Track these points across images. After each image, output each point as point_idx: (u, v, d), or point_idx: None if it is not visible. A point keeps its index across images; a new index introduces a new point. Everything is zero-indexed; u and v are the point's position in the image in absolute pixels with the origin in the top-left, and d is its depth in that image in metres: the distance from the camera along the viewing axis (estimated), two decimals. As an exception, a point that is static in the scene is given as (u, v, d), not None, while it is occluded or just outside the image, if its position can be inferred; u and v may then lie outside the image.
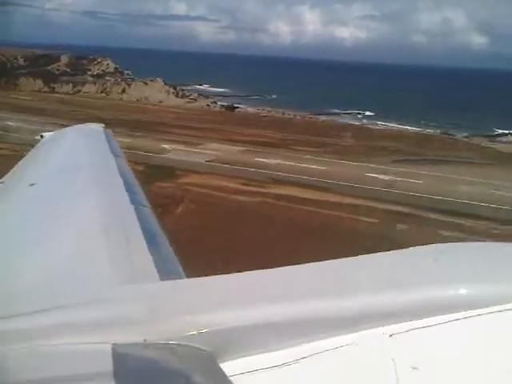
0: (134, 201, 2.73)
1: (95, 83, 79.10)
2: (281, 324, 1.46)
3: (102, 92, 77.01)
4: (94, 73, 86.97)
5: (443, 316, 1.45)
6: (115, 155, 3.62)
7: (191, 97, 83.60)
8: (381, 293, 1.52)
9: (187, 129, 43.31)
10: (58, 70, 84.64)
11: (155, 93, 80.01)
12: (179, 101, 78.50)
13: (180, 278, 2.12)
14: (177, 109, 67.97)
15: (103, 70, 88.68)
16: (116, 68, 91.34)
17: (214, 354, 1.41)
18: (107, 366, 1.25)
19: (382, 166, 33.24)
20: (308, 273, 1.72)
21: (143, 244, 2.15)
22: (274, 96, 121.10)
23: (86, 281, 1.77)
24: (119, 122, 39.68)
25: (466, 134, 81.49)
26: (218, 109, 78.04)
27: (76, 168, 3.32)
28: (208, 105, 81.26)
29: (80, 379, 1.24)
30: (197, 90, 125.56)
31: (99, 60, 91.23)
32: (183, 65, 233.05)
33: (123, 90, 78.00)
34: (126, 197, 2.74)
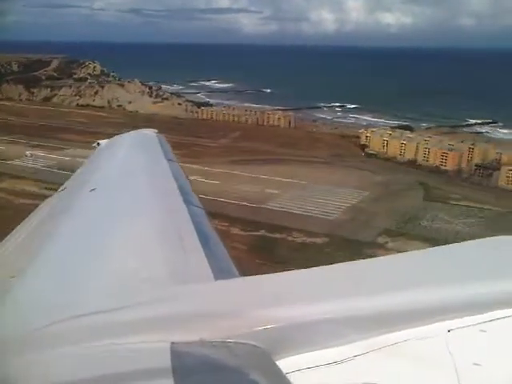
0: (187, 202, 2.88)
1: (71, 86, 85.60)
2: (337, 321, 1.48)
3: (76, 95, 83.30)
4: (80, 76, 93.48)
5: (504, 310, 1.44)
6: (168, 159, 3.83)
7: (164, 96, 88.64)
8: (439, 287, 1.54)
9: (81, 134, 47.83)
10: (45, 74, 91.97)
11: (127, 94, 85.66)
12: (148, 101, 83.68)
13: (234, 277, 2.22)
14: (115, 114, 72.91)
15: (89, 73, 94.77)
16: (102, 71, 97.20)
17: (270, 352, 1.43)
18: (166, 364, 1.31)
19: (207, 168, 36.46)
20: (364, 269, 1.78)
21: (197, 245, 2.24)
22: (268, 90, 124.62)
23: (144, 281, 1.84)
24: (19, 127, 44.41)
25: (426, 125, 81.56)
26: (179, 108, 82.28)
27: (132, 173, 3.54)
28: (179, 103, 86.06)
29: (139, 377, 1.30)
30: (201, 87, 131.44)
31: (86, 63, 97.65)
32: (212, 58, 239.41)
33: (96, 93, 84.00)
34: (179, 199, 2.90)
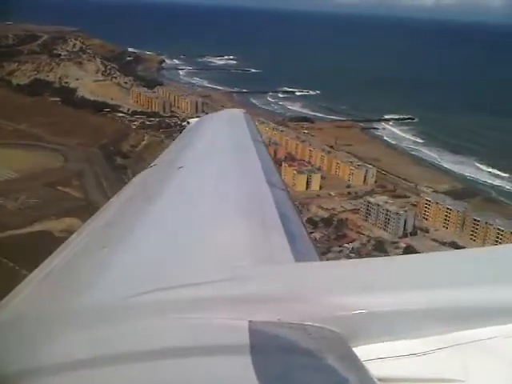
0: (271, 183, 2.96)
1: (33, 62, 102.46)
2: (419, 312, 1.48)
3: (34, 70, 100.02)
4: (58, 52, 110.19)
5: None
6: (254, 139, 3.93)
7: (114, 75, 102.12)
8: None
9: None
10: (28, 49, 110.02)
11: (80, 72, 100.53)
12: (92, 79, 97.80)
13: (314, 260, 2.27)
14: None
15: (67, 50, 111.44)
16: (81, 48, 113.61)
17: (346, 338, 1.45)
18: (243, 341, 1.35)
19: None
20: (447, 260, 1.77)
21: (279, 226, 2.32)
22: (256, 70, 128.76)
23: (225, 259, 1.93)
24: None
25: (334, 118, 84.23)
26: (115, 88, 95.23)
27: (219, 152, 3.72)
28: (125, 82, 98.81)
29: (217, 352, 1.35)
30: (201, 63, 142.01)
31: (68, 40, 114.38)
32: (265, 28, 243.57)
33: (51, 69, 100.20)
34: (263, 179, 2.99)
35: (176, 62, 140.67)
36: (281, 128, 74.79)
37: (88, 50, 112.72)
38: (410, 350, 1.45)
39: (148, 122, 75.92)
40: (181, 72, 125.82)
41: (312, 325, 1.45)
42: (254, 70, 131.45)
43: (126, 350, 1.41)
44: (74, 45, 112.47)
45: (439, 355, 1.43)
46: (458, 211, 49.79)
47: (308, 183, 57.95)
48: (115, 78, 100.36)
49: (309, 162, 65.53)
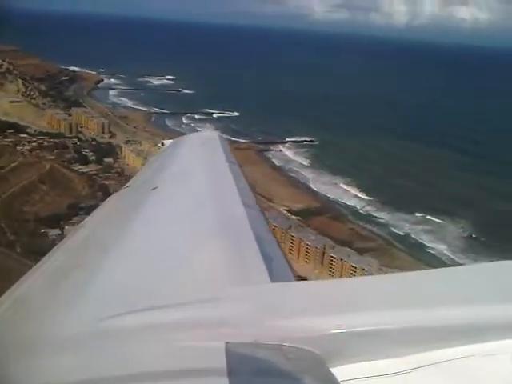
0: (246, 204, 2.99)
1: None
2: (398, 331, 1.49)
3: None
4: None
5: None
6: (229, 161, 4.03)
7: (33, 96, 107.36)
8: (505, 304, 1.53)
9: None
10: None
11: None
12: (9, 99, 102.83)
13: (290, 280, 2.30)
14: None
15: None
16: (8, 68, 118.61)
17: (325, 358, 1.46)
18: (220, 363, 1.35)
19: None
20: (423, 279, 1.79)
21: (255, 247, 2.33)
22: (185, 91, 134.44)
23: (199, 281, 1.94)
24: None
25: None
26: (28, 108, 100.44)
27: (193, 173, 3.74)
28: (44, 103, 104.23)
29: (193, 375, 1.35)
30: (137, 82, 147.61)
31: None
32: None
33: None
34: (239, 201, 3.02)
35: (113, 81, 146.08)
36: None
37: (15, 71, 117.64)
38: (390, 369, 1.47)
39: (46, 143, 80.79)
40: (111, 92, 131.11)
41: (290, 345, 1.47)
42: (186, 91, 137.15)
43: (100, 374, 1.41)
44: (1, 65, 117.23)
45: (419, 374, 1.45)
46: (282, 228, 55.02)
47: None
48: (34, 98, 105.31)
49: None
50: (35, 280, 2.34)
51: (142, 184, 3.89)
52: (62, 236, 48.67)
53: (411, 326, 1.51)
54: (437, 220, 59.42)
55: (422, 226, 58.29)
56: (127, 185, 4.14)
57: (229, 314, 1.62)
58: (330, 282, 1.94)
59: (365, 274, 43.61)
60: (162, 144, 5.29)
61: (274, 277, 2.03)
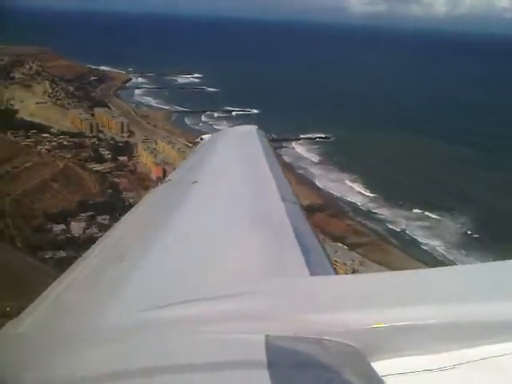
0: (283, 198, 3.02)
1: None
2: (437, 327, 1.48)
3: None
4: (14, 75, 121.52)
5: None
6: (266, 154, 4.06)
7: (59, 97, 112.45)
8: None
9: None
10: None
11: (27, 94, 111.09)
12: (35, 101, 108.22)
13: (329, 274, 2.27)
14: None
15: (23, 73, 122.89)
16: (37, 70, 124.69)
17: (364, 352, 1.46)
18: (260, 356, 1.35)
19: None
20: (466, 273, 1.78)
21: (293, 240, 2.35)
22: (210, 89, 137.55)
23: (240, 273, 1.98)
24: None
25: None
26: (53, 109, 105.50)
27: (232, 167, 3.86)
28: (69, 103, 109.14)
29: (233, 367, 1.35)
30: (164, 81, 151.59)
31: (26, 64, 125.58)
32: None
33: None
34: (276, 194, 3.05)
35: (140, 80, 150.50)
36: (191, 148, 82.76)
37: (44, 73, 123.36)
38: (431, 365, 1.45)
39: (66, 143, 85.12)
40: (137, 91, 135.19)
41: (329, 339, 1.47)
42: (210, 89, 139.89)
43: (141, 366, 1.43)
44: (31, 67, 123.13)
45: (457, 371, 1.42)
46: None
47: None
48: (59, 99, 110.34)
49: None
50: (78, 273, 2.41)
51: (182, 178, 3.94)
52: (65, 231, 52.23)
53: (453, 322, 1.49)
54: (435, 217, 60.01)
55: (419, 223, 59.10)
56: (168, 179, 4.26)
57: (268, 306, 1.63)
58: (369, 275, 2.00)
59: (346, 269, 45.20)
60: (201, 139, 5.40)
61: (312, 270, 2.04)
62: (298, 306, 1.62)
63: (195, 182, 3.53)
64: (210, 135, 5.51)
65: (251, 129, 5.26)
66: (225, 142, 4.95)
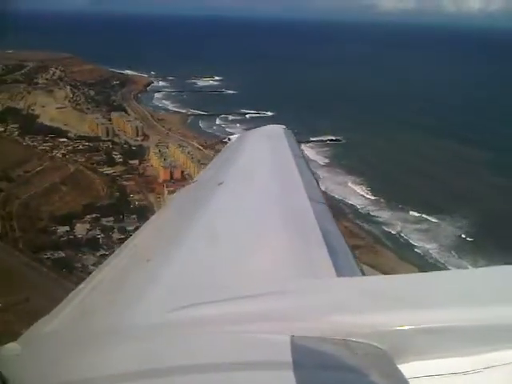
0: (311, 198, 3.03)
1: (9, 91, 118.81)
2: (468, 329, 1.45)
3: (8, 99, 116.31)
4: (38, 81, 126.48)
5: None
6: (295, 155, 4.05)
7: (79, 102, 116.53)
8: None
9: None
10: (12, 78, 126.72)
11: (48, 99, 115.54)
12: (56, 106, 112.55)
13: (356, 275, 2.27)
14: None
15: (46, 79, 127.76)
16: (60, 76, 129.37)
17: (391, 354, 1.45)
18: (285, 356, 1.35)
19: None
20: (494, 276, 1.75)
21: (320, 241, 2.35)
22: (228, 92, 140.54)
23: (265, 274, 1.99)
24: None
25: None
26: (72, 114, 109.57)
27: (259, 168, 3.82)
28: (88, 108, 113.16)
29: (258, 367, 1.36)
30: (184, 84, 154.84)
31: (49, 69, 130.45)
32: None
33: (22, 98, 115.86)
34: (304, 194, 3.06)
35: (161, 84, 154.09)
36: (202, 151, 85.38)
37: (66, 78, 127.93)
38: (458, 368, 1.44)
39: (81, 147, 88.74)
40: (156, 95, 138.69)
41: (356, 341, 1.47)
42: (229, 92, 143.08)
43: (168, 364, 1.44)
44: (54, 73, 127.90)
45: (483, 375, 1.41)
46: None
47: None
48: (79, 104, 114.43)
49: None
50: (108, 272, 2.51)
51: (209, 179, 3.97)
52: (69, 232, 55.17)
53: (482, 325, 1.48)
54: (434, 220, 60.76)
55: (418, 226, 59.93)
56: (195, 179, 4.42)
57: (295, 307, 1.66)
58: (396, 277, 1.94)
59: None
60: (228, 139, 5.43)
61: (339, 271, 2.09)
62: (325, 307, 1.63)
63: (221, 183, 3.55)
64: (237, 135, 5.55)
65: (279, 129, 5.25)
66: (252, 143, 4.93)
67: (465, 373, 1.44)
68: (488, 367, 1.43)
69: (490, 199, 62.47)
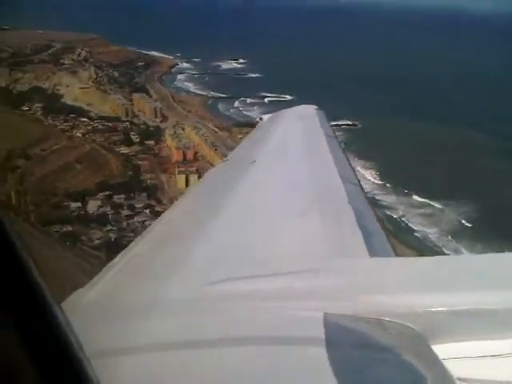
0: (344, 178, 3.05)
1: (34, 71, 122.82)
2: (501, 313, 1.45)
3: (34, 79, 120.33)
4: (64, 62, 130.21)
5: None
6: (326, 134, 4.09)
7: (102, 82, 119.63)
8: None
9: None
10: (39, 58, 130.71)
11: (73, 79, 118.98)
12: (79, 86, 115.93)
13: (389, 255, 2.29)
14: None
15: (72, 59, 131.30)
16: (85, 57, 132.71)
17: (424, 335, 1.46)
18: (318, 333, 1.36)
19: None
20: None
21: (353, 220, 2.38)
22: (252, 75, 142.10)
23: (299, 252, 2.03)
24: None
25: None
26: (96, 94, 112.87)
27: (291, 147, 3.91)
28: (111, 89, 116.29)
29: (291, 343, 1.38)
30: (208, 66, 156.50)
31: (76, 50, 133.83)
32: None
33: (47, 78, 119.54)
34: (336, 174, 3.07)
35: (186, 65, 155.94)
36: (217, 133, 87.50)
37: (91, 59, 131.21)
38: (491, 351, 1.45)
39: (101, 127, 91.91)
40: (179, 77, 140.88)
41: (389, 320, 1.48)
42: (252, 75, 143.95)
43: (203, 337, 1.47)
44: (79, 54, 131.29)
45: None
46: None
47: (187, 182, 71.25)
48: (103, 85, 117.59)
49: (210, 163, 78.36)
50: (142, 247, 2.57)
51: (241, 157, 4.06)
52: (81, 208, 58.18)
53: None
54: (438, 205, 61.60)
55: (422, 210, 60.84)
56: (227, 158, 4.44)
57: (328, 285, 1.69)
58: (430, 259, 1.99)
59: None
60: (260, 119, 5.52)
61: (372, 251, 2.10)
62: (358, 287, 1.67)
63: (254, 161, 3.56)
64: (269, 115, 5.61)
65: (311, 109, 5.28)
66: (284, 122, 4.99)
67: (497, 356, 1.44)
68: None
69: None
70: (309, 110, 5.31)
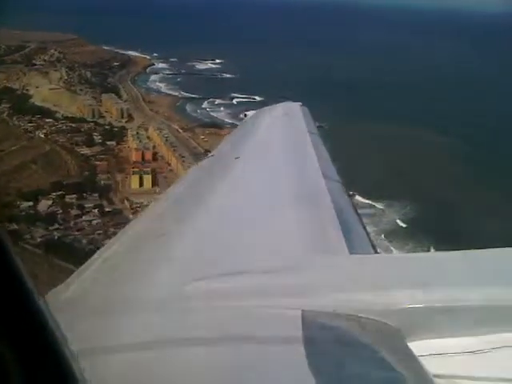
0: (325, 175, 3.11)
1: (5, 72, 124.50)
2: (477, 309, 1.50)
3: (4, 79, 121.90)
4: (36, 62, 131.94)
5: None
6: (310, 131, 4.24)
7: (72, 83, 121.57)
8: None
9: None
10: (11, 59, 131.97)
11: (43, 80, 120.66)
12: (49, 87, 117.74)
13: (369, 252, 2.34)
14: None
15: (44, 60, 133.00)
16: (58, 57, 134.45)
17: (402, 332, 1.50)
18: (296, 330, 1.39)
19: None
20: (500, 257, 1.77)
21: (333, 217, 2.44)
22: (226, 75, 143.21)
23: (278, 249, 2.07)
24: None
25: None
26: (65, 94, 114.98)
27: (274, 144, 4.01)
28: (81, 90, 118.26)
29: (269, 341, 1.41)
30: (184, 67, 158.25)
31: (48, 51, 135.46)
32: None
33: (17, 78, 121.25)
34: (318, 172, 3.13)
35: (161, 66, 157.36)
36: (179, 134, 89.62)
37: (64, 60, 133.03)
38: (466, 347, 1.49)
39: (64, 127, 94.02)
40: (152, 77, 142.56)
41: (367, 317, 1.53)
42: (227, 76, 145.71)
43: (181, 336, 1.50)
44: (52, 55, 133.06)
45: (495, 354, 1.45)
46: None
47: (141, 183, 73.70)
48: (73, 85, 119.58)
49: (168, 164, 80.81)
50: (122, 244, 2.58)
51: (225, 153, 4.22)
52: (31, 208, 60.56)
53: (493, 305, 1.52)
54: (380, 206, 64.11)
55: (361, 211, 63.23)
56: (211, 154, 4.60)
57: (307, 282, 1.73)
58: (407, 256, 1.93)
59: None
60: (245, 115, 5.80)
61: (352, 248, 2.19)
62: (337, 284, 1.73)
63: (237, 157, 3.67)
64: (253, 112, 5.76)
65: (295, 105, 5.43)
66: (268, 119, 5.09)
67: (471, 352, 1.50)
68: (500, 347, 1.48)
69: None
70: (293, 107, 5.53)
